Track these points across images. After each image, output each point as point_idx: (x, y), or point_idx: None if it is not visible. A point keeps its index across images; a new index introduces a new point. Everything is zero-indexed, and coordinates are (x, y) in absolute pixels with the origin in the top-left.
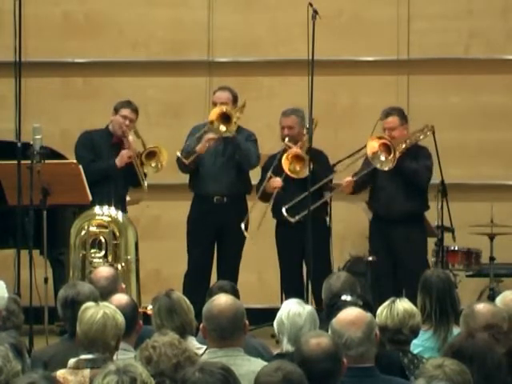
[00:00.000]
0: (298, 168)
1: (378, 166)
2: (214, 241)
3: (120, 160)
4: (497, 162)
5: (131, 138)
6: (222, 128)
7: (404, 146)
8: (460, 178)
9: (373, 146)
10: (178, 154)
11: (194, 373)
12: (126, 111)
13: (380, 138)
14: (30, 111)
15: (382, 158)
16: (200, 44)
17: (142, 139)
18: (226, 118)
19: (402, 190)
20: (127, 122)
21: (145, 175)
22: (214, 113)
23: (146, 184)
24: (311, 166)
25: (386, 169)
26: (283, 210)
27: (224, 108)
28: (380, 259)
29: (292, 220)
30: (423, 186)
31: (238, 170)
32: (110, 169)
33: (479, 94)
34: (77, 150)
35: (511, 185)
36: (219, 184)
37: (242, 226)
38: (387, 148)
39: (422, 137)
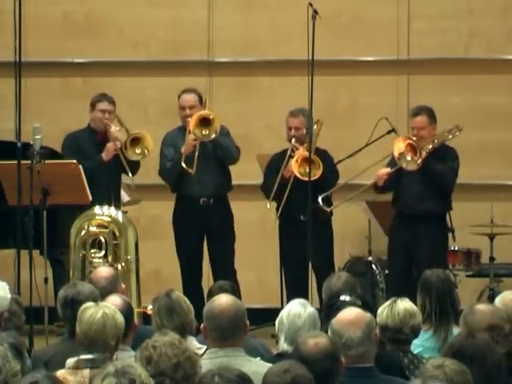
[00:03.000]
0: (308, 170)
1: (404, 165)
2: (202, 242)
3: (106, 154)
4: (497, 162)
5: (113, 128)
6: (205, 132)
7: (431, 146)
8: (460, 178)
9: (399, 146)
10: (183, 165)
11: (212, 377)
12: (102, 105)
13: (406, 138)
14: (30, 111)
15: (409, 158)
16: (200, 44)
17: (126, 127)
18: (204, 121)
19: (427, 190)
20: (106, 115)
21: (136, 165)
22: (193, 122)
23: (130, 175)
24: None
25: (412, 169)
26: (319, 199)
27: (201, 113)
28: (396, 256)
29: (328, 209)
30: (449, 187)
31: (220, 170)
32: (96, 165)
33: (479, 94)
34: (63, 153)
35: (511, 185)
36: (204, 185)
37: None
38: (413, 148)
39: (450, 137)
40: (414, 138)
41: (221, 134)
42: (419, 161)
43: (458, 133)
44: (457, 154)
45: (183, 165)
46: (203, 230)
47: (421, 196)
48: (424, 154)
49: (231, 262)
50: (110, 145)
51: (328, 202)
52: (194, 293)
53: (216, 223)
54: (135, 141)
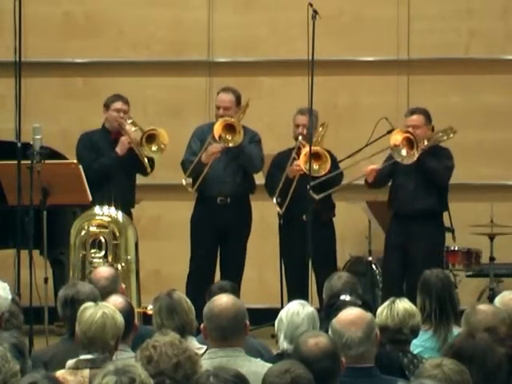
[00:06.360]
0: (315, 166)
1: (399, 159)
2: (217, 242)
3: (120, 147)
4: (497, 162)
5: (128, 127)
6: (229, 137)
7: (426, 143)
8: (460, 178)
9: (396, 138)
10: (184, 182)
11: (208, 377)
12: (117, 104)
13: (405, 131)
14: (30, 111)
15: (403, 152)
16: (200, 44)
17: (140, 127)
18: (230, 127)
19: (421, 188)
20: (121, 115)
21: (152, 161)
22: (218, 128)
23: (149, 169)
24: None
25: (406, 163)
26: (308, 188)
27: (227, 120)
28: (392, 257)
29: (316, 197)
30: (443, 184)
31: (240, 170)
32: (112, 161)
33: (479, 94)
34: (78, 152)
35: (511, 185)
36: (223, 185)
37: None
38: (410, 142)
39: (445, 137)
40: (412, 132)
41: (251, 140)
42: (416, 154)
43: (452, 135)
44: (451, 154)
45: (183, 182)
46: (219, 229)
47: (415, 195)
48: (419, 150)
49: (240, 265)
50: (123, 138)
51: (320, 191)
52: (201, 293)
53: (231, 223)
54: (150, 138)
